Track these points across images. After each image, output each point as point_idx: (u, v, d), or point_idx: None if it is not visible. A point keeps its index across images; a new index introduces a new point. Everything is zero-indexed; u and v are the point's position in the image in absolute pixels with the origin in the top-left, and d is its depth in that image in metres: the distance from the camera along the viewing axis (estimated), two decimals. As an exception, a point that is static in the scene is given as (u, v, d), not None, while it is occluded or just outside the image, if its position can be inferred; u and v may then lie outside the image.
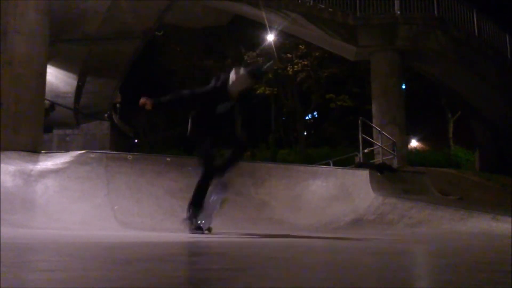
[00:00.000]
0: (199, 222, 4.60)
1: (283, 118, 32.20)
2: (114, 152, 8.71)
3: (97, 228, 5.38)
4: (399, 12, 14.94)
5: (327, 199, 7.74)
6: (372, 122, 13.67)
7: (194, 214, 4.61)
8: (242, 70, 4.69)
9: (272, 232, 5.64)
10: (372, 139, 12.45)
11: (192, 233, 4.50)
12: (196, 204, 4.62)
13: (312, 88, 27.54)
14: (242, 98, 4.91)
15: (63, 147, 19.00)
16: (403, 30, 14.69)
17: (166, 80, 30.89)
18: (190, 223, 4.59)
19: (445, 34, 15.19)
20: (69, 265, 2.04)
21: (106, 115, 21.07)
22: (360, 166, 9.20)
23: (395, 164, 11.12)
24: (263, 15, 14.33)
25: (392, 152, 11.89)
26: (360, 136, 10.71)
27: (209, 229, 4.82)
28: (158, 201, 6.32)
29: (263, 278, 1.79)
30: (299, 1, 14.64)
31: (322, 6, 14.62)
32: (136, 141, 37.58)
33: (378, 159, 11.66)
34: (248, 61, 27.22)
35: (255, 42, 25.64)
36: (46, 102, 14.02)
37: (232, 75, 4.66)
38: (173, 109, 5.22)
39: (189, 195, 6.61)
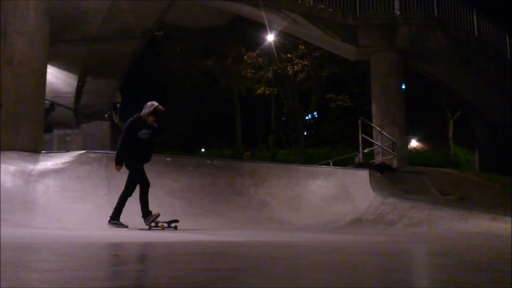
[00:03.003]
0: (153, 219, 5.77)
1: (283, 118, 32.20)
2: (115, 152, 8.70)
3: (97, 228, 5.39)
4: (399, 12, 14.95)
5: (327, 199, 7.74)
6: (372, 122, 13.67)
7: (148, 217, 5.77)
8: (147, 107, 6.17)
9: (272, 232, 5.64)
10: (372, 139, 12.45)
11: (153, 225, 5.72)
12: (147, 212, 5.78)
13: (312, 88, 27.55)
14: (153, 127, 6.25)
15: (63, 147, 18.97)
16: (403, 30, 14.70)
17: (166, 80, 30.89)
18: (150, 220, 5.75)
19: (445, 34, 15.19)
20: (69, 265, 2.04)
21: (106, 115, 21.06)
22: (360, 166, 9.20)
23: (395, 164, 11.13)
24: (263, 15, 14.33)
25: (392, 152, 11.89)
26: (360, 136, 10.70)
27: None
28: (158, 201, 6.32)
29: (263, 278, 1.79)
30: (299, 1, 14.65)
31: (322, 6, 14.62)
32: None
33: (378, 159, 11.66)
34: (248, 61, 27.27)
35: (255, 42, 25.64)
36: (46, 102, 14.02)
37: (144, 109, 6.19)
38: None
39: (188, 195, 6.63)
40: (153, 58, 29.25)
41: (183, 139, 35.38)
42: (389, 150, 11.80)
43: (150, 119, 6.20)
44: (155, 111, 6.20)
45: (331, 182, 8.10)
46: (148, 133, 6.18)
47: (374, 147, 12.45)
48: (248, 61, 27.29)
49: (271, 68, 26.12)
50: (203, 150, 37.56)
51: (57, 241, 3.57)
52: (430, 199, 7.73)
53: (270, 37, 23.18)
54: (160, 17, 14.48)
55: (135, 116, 6.23)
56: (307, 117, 33.32)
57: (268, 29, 19.19)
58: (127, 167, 6.09)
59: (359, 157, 11.58)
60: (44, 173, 6.32)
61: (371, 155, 13.50)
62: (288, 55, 25.85)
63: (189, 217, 6.39)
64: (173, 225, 5.65)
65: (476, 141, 19.95)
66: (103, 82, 17.82)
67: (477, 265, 2.39)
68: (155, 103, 6.25)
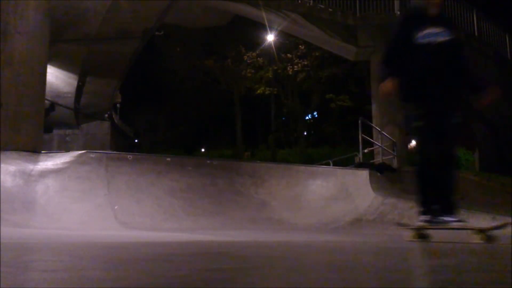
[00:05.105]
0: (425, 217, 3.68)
1: (283, 118, 32.24)
2: (114, 152, 8.71)
3: (97, 228, 5.38)
4: (399, 12, 14.96)
5: (327, 199, 7.74)
6: (372, 122, 13.67)
7: (420, 209, 3.70)
8: None
9: (272, 232, 5.64)
10: (372, 139, 12.46)
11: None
12: (419, 199, 3.69)
13: (312, 88, 27.59)
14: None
15: (63, 147, 19.01)
16: (403, 30, 14.72)
17: (166, 80, 30.90)
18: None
19: (445, 34, 15.21)
20: (69, 265, 2.04)
21: (106, 115, 21.09)
22: (360, 166, 9.21)
23: (395, 164, 11.13)
24: (263, 15, 14.35)
25: (392, 152, 11.89)
26: (360, 136, 10.71)
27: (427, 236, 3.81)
28: (158, 201, 6.32)
29: (263, 278, 1.79)
30: (299, 1, 14.66)
31: (322, 6, 14.64)
32: (136, 141, 37.63)
33: (378, 159, 11.66)
34: (248, 61, 27.26)
35: (255, 42, 25.68)
36: (46, 102, 14.03)
37: None
38: None
39: (188, 195, 6.60)
40: (153, 58, 29.28)
41: (183, 139, 35.38)
42: (389, 150, 11.80)
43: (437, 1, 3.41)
44: None
45: (331, 182, 8.10)
46: (442, 34, 3.38)
47: (374, 147, 12.44)
48: (248, 61, 27.33)
49: (271, 68, 26.15)
50: (203, 150, 37.57)
51: (57, 241, 3.57)
52: (430, 199, 7.73)
53: (270, 37, 23.22)
54: (160, 17, 14.50)
55: (409, 8, 3.44)
56: (307, 117, 33.34)
57: (268, 29, 19.22)
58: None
59: (359, 157, 11.59)
60: (44, 173, 6.32)
61: (371, 155, 13.50)
62: (288, 55, 25.87)
63: (189, 217, 6.39)
64: (490, 232, 3.51)
65: (476, 141, 19.94)
66: (103, 82, 17.84)
67: (477, 265, 2.39)
68: None
